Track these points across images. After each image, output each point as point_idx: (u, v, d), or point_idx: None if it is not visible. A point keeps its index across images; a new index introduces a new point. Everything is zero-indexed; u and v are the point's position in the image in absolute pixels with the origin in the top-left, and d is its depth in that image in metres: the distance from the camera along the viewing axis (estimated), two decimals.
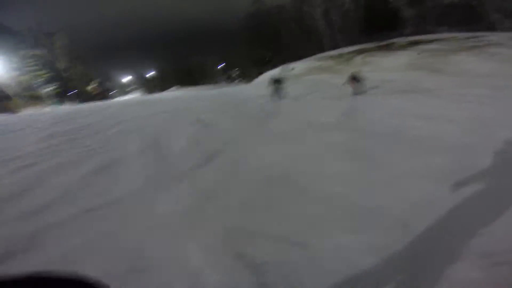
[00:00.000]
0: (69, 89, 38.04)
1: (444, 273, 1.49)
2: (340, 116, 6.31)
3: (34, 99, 33.16)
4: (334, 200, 2.47)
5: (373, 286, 1.47)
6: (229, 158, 4.00)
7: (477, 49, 13.59)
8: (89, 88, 45.00)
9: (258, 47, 33.85)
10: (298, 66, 24.46)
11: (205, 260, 1.78)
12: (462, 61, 13.15)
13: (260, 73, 34.49)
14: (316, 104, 9.19)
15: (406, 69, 14.66)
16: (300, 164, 3.43)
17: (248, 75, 41.39)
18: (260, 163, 3.59)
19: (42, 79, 33.12)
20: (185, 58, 59.81)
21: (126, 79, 70.47)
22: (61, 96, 36.11)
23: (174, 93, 35.31)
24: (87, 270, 1.71)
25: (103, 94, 48.49)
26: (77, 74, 40.18)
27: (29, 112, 27.74)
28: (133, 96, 56.47)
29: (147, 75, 68.79)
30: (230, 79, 55.85)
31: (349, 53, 20.62)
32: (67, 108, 26.04)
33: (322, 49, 25.65)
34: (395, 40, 19.52)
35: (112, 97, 53.92)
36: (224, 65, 58.49)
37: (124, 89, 67.97)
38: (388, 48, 18.37)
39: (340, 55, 20.97)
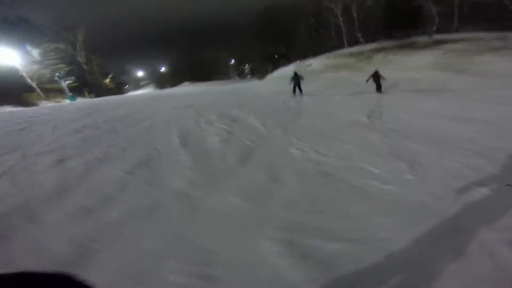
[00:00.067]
0: (88, 82, 38.74)
1: None
2: (371, 115, 6.24)
3: (53, 92, 33.97)
4: (386, 197, 2.53)
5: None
6: (271, 154, 4.00)
7: (504, 50, 13.18)
8: (106, 81, 45.72)
9: (273, 42, 33.58)
10: (314, 63, 24.28)
11: (279, 255, 1.85)
12: (489, 62, 12.79)
13: (274, 69, 34.44)
14: (341, 101, 9.05)
15: (431, 68, 14.37)
16: (347, 163, 3.43)
17: (260, 71, 41.38)
18: (306, 161, 3.62)
19: (62, 72, 33.83)
20: (197, 54, 60.01)
21: (139, 74, 71.24)
22: (77, 90, 36.84)
23: (187, 88, 35.26)
24: (167, 272, 1.76)
25: (117, 89, 49.18)
26: (97, 67, 40.94)
27: (49, 105, 28.48)
28: (146, 91, 57.05)
29: (160, 70, 69.38)
30: (241, 75, 55.86)
31: (369, 50, 20.31)
32: (84, 101, 26.46)
33: (339, 46, 25.32)
34: (417, 38, 19.07)
35: (126, 91, 54.57)
36: (236, 61, 58.51)
37: (137, 84, 68.64)
38: (410, 46, 17.98)
39: (360, 53, 20.66)
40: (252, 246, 1.95)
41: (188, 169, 3.61)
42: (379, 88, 10.90)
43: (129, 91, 57.11)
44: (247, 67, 55.78)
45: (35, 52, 30.56)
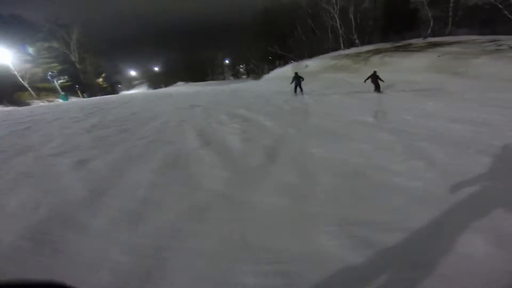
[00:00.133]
0: (81, 82, 38.16)
1: None
2: (376, 115, 6.41)
3: (46, 91, 33.34)
4: (411, 191, 2.68)
5: None
6: (294, 153, 4.07)
7: (498, 53, 13.63)
8: (99, 81, 45.13)
9: (269, 43, 33.78)
10: (311, 64, 24.57)
11: (343, 247, 1.95)
12: (484, 65, 13.19)
13: (270, 69, 34.61)
14: (342, 102, 9.21)
15: (427, 71, 14.75)
16: (370, 161, 3.54)
17: (256, 71, 41.51)
18: (330, 159, 3.73)
19: (55, 71, 33.23)
20: (191, 53, 59.84)
21: (132, 73, 70.56)
22: (69, 89, 36.24)
23: (182, 88, 34.70)
24: (243, 275, 1.78)
25: (111, 88, 48.64)
26: (91, 66, 40.38)
27: (41, 104, 27.89)
28: (139, 90, 56.42)
29: (152, 70, 68.84)
30: (236, 75, 55.93)
31: (366, 52, 20.69)
32: (80, 101, 25.98)
33: (336, 48, 25.70)
34: (412, 41, 19.57)
35: (118, 91, 53.92)
36: (231, 61, 58.57)
37: (130, 83, 67.94)
38: (406, 49, 18.41)
39: (357, 55, 21.02)
40: (312, 240, 2.04)
41: (219, 169, 3.62)
42: (377, 88, 11.19)
43: (121, 90, 56.44)
44: (242, 67, 55.94)
45: (28, 51, 29.93)
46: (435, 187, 2.74)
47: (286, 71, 27.60)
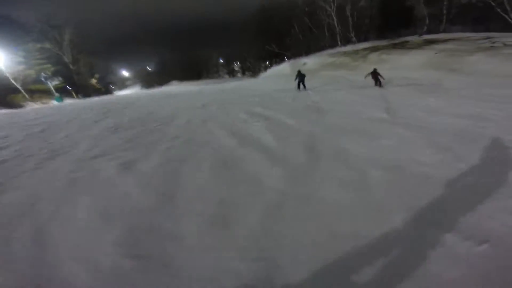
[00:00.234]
0: (75, 83, 37.57)
1: None
2: (387, 112, 6.69)
3: (39, 93, 32.76)
4: (457, 183, 2.97)
5: None
6: (332, 150, 4.21)
7: (493, 50, 14.17)
8: (92, 81, 44.47)
9: (267, 41, 33.91)
10: (310, 62, 24.88)
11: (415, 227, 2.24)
12: (479, 62, 13.68)
13: (267, 67, 34.88)
14: (349, 99, 9.49)
15: (424, 68, 15.20)
16: (402, 156, 3.77)
17: (252, 70, 41.67)
18: (363, 154, 3.93)
19: (48, 72, 32.66)
20: (185, 52, 59.38)
21: (124, 73, 69.59)
22: (63, 90, 35.67)
23: (179, 88, 34.24)
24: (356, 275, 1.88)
25: (105, 88, 47.98)
26: (85, 67, 39.76)
27: (37, 106, 27.41)
28: (133, 90, 55.69)
29: (145, 69, 68.14)
30: (231, 74, 55.90)
31: (363, 49, 21.11)
32: (78, 102, 25.61)
33: (333, 45, 26.09)
34: (408, 38, 20.09)
35: (112, 91, 53.15)
36: (225, 59, 58.40)
37: (123, 84, 66.99)
38: (403, 46, 18.90)
39: (355, 52, 21.40)
40: (390, 226, 2.28)
41: (270, 167, 3.73)
42: (378, 83, 11.83)
43: (115, 91, 55.66)
44: (237, 65, 55.89)
45: (20, 52, 29.33)
46: (468, 175, 3.06)
47: (283, 69, 27.82)
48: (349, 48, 23.28)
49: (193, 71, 54.76)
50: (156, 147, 5.22)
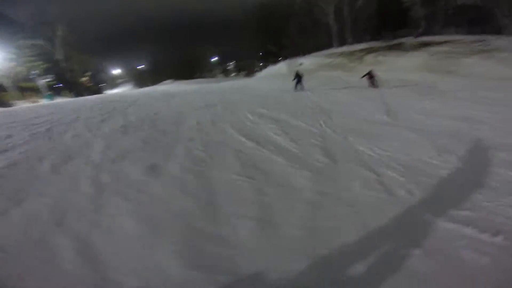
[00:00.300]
0: (66, 81, 36.84)
1: None
2: (387, 114, 6.92)
3: (29, 91, 32.02)
4: (467, 182, 3.19)
5: None
6: (347, 153, 4.36)
7: (486, 53, 14.67)
8: (83, 80, 43.66)
9: (263, 40, 34.02)
10: (306, 62, 25.15)
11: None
12: (474, 64, 14.18)
13: (263, 67, 35.03)
14: (350, 100, 9.77)
15: (420, 70, 15.62)
16: (410, 157, 3.97)
17: (247, 69, 41.72)
18: (376, 155, 4.14)
19: (39, 70, 31.92)
20: (178, 50, 58.96)
21: (116, 71, 68.41)
22: (55, 88, 34.99)
23: (174, 87, 33.64)
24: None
25: (96, 87, 47.20)
26: (77, 64, 38.99)
27: (26, 105, 26.76)
28: (124, 89, 54.90)
29: (138, 68, 67.23)
30: (226, 73, 55.85)
31: (360, 50, 21.50)
32: (72, 101, 25.03)
33: (329, 46, 26.42)
34: (404, 39, 20.55)
35: (103, 90, 52.23)
36: (220, 58, 58.34)
37: (114, 82, 65.93)
38: (398, 48, 19.38)
39: (351, 53, 21.80)
40: (425, 223, 2.46)
41: (295, 169, 3.83)
42: (374, 84, 12.37)
43: (106, 89, 54.72)
44: (231, 64, 55.86)
45: (11, 49, 28.57)
46: (471, 175, 3.33)
47: (279, 69, 28.00)
48: (345, 49, 23.66)
49: (186, 69, 54.38)
50: (174, 149, 5.20)
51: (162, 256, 2.28)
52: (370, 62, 18.94)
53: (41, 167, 4.90)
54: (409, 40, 20.05)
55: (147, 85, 48.28)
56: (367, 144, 4.71)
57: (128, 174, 4.18)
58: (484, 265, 1.90)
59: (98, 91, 45.37)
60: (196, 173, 3.97)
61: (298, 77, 14.08)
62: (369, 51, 20.76)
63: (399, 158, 4.04)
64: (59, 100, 29.85)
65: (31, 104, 26.91)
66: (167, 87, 35.32)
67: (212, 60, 59.53)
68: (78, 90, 38.25)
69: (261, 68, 33.45)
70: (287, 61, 27.33)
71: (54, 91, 33.83)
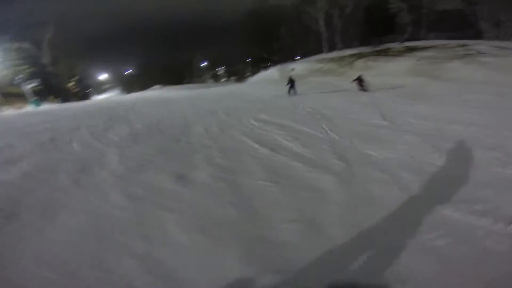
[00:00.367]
0: (52, 86, 35.86)
1: None
2: (384, 118, 7.33)
3: (13, 97, 31.02)
4: (464, 179, 3.54)
5: None
6: (357, 156, 4.63)
7: (469, 57, 15.61)
8: (70, 85, 42.63)
9: (255, 45, 34.46)
10: (298, 67, 25.66)
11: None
12: (458, 69, 15.03)
13: (253, 72, 35.42)
14: (346, 105, 10.18)
15: (408, 74, 16.37)
16: (417, 159, 4.31)
17: (238, 74, 41.99)
18: (388, 159, 4.43)
19: (24, 74, 30.96)
20: (167, 55, 58.66)
21: (102, 77, 67.07)
22: (39, 94, 33.98)
23: (164, 92, 33.05)
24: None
25: (83, 93, 46.17)
26: (64, 69, 38.01)
27: (12, 112, 25.86)
28: (111, 95, 53.93)
29: (125, 73, 66.28)
30: (215, 78, 55.88)
31: (350, 56, 22.25)
32: (58, 107, 24.38)
33: (318, 51, 27.13)
34: (391, 45, 21.47)
35: (89, 95, 51.05)
36: (210, 63, 58.24)
37: (100, 88, 64.61)
38: (386, 53, 20.23)
39: (341, 58, 22.52)
40: (446, 217, 2.77)
41: (320, 173, 4.03)
42: (363, 88, 13.24)
43: (93, 95, 53.56)
44: (221, 69, 55.93)
45: None
46: (476, 174, 3.66)
47: (271, 74, 28.46)
48: (335, 54, 24.44)
49: (175, 75, 54.11)
50: (193, 158, 5.26)
51: (232, 263, 2.32)
52: (360, 67, 19.69)
53: (59, 178, 4.78)
54: (396, 46, 20.93)
55: (135, 91, 47.60)
56: (374, 148, 5.03)
57: (158, 184, 4.15)
58: (503, 251, 2.22)
59: (86, 97, 44.51)
60: (225, 181, 4.06)
61: (292, 82, 14.70)
62: (359, 56, 21.53)
63: (407, 160, 4.37)
64: (45, 106, 29.05)
65: (17, 111, 26.11)
66: (157, 93, 34.71)
67: (201, 65, 59.48)
68: (65, 95, 37.36)
69: (252, 73, 33.77)
70: (279, 67, 27.82)
71: (39, 96, 32.89)
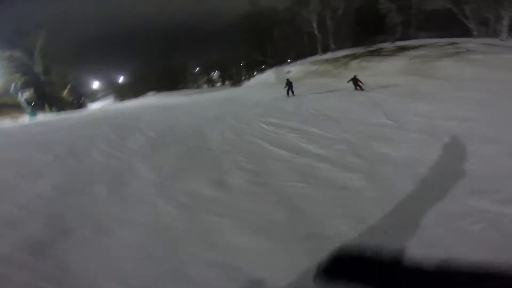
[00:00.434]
0: (45, 95, 35.45)
1: None
2: (387, 117, 7.70)
3: (7, 107, 30.66)
4: (471, 173, 3.88)
5: None
6: (375, 155, 4.91)
7: (458, 55, 16.27)
8: (64, 94, 42.15)
9: (249, 49, 34.80)
10: (293, 70, 26.08)
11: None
12: (448, 67, 15.65)
13: (249, 76, 35.84)
14: (345, 105, 10.52)
15: (401, 74, 16.90)
16: (429, 156, 4.59)
17: (233, 78, 42.23)
18: (403, 158, 4.71)
19: (18, 83, 30.57)
20: (160, 61, 58.36)
21: (95, 84, 66.36)
22: (35, 103, 33.61)
23: (160, 99, 32.86)
24: None
25: (77, 101, 45.67)
26: (56, 77, 37.51)
27: (9, 123, 25.53)
28: (105, 103, 53.33)
29: (118, 81, 65.80)
30: (210, 83, 55.90)
31: (344, 57, 22.86)
32: (56, 118, 24.09)
33: (312, 53, 27.70)
34: (383, 45, 22.16)
35: (84, 104, 50.48)
36: (203, 68, 58.17)
37: (94, 96, 63.90)
38: (379, 53, 20.88)
39: (336, 59, 23.09)
40: (470, 206, 3.11)
41: (349, 173, 4.26)
42: (359, 87, 14.00)
43: (87, 103, 52.98)
44: (216, 74, 55.90)
45: None
46: (481, 167, 4.00)
47: (267, 77, 28.82)
48: (330, 55, 25.02)
49: (169, 80, 53.87)
50: (222, 164, 5.37)
51: (300, 259, 2.41)
52: (354, 68, 20.27)
53: (94, 190, 4.75)
54: (387, 45, 21.61)
55: (129, 98, 47.31)
56: (386, 146, 5.35)
57: (199, 191, 4.17)
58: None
59: (82, 105, 44.10)
60: (260, 184, 4.20)
61: (290, 85, 15.38)
62: (353, 57, 22.14)
63: (420, 157, 4.64)
64: (41, 117, 28.81)
65: (15, 122, 25.90)
66: (153, 100, 34.48)
67: (195, 70, 59.37)
68: (60, 105, 37.00)
69: (248, 77, 34.13)
70: (274, 69, 28.23)
71: (34, 106, 32.56)
